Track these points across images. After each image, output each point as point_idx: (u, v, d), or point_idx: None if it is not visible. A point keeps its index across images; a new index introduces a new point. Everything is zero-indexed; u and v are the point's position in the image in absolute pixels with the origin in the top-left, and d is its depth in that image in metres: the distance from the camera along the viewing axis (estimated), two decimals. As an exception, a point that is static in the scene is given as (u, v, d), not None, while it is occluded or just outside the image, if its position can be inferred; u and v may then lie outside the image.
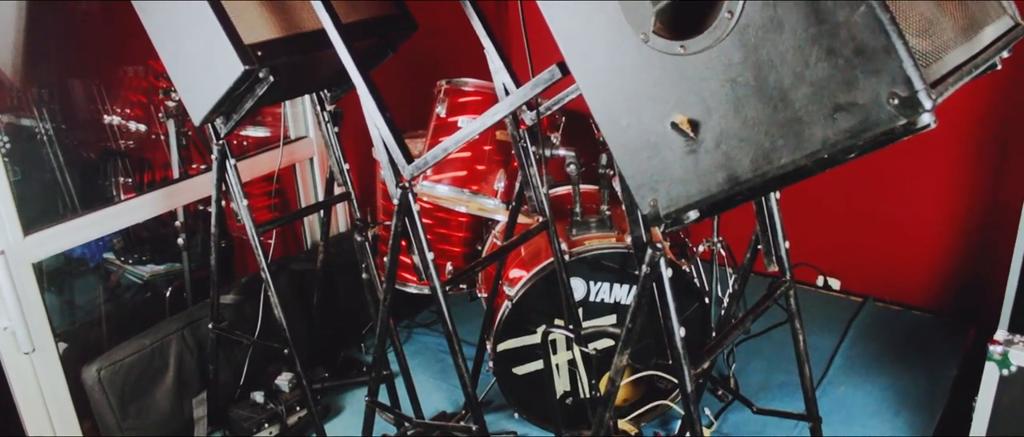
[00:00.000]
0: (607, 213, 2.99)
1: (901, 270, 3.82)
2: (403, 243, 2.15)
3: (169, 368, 3.01)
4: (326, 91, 2.77)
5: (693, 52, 1.31)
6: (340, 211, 3.84)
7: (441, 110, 3.14)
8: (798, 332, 2.22)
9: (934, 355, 3.42)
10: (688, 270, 2.92)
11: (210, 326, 2.90)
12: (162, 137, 3.55)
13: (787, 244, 2.13)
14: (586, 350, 2.74)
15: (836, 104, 1.21)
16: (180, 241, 3.44)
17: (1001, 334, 2.23)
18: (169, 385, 3.01)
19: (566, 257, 2.75)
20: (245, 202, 2.54)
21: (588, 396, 2.94)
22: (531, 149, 2.50)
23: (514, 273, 2.99)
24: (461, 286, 3.55)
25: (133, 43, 3.40)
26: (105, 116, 3.73)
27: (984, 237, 3.57)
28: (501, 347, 2.93)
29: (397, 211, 2.11)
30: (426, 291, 3.40)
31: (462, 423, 2.99)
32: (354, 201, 2.89)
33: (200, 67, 2.22)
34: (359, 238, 2.84)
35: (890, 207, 3.76)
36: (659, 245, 1.67)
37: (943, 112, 1.18)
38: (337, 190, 2.97)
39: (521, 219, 2.89)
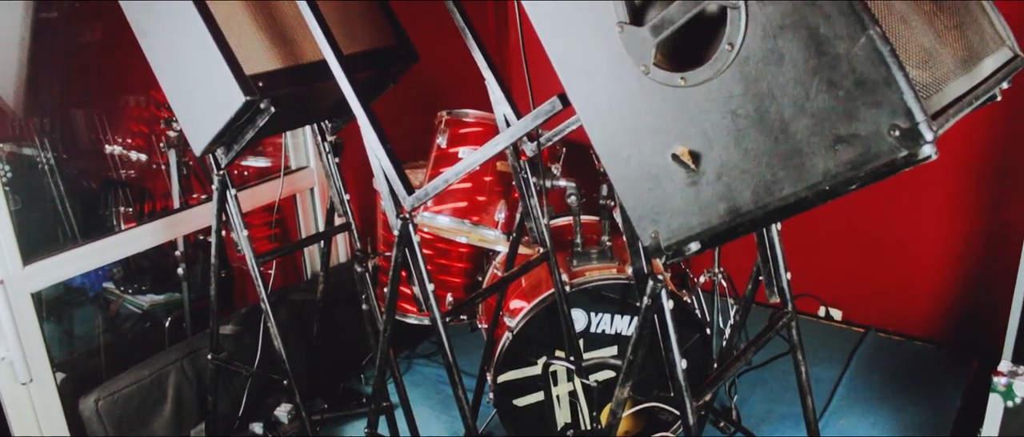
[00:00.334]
0: (608, 244, 2.98)
1: (903, 300, 3.81)
2: (403, 274, 2.14)
3: (168, 399, 2.99)
4: (327, 122, 2.78)
5: (694, 84, 1.32)
6: (340, 242, 3.84)
7: (442, 141, 3.15)
8: (800, 363, 2.21)
9: (937, 386, 3.40)
10: (689, 301, 2.91)
11: (209, 356, 2.88)
12: (163, 167, 3.55)
13: (788, 275, 2.12)
14: (587, 382, 2.72)
15: (837, 136, 1.21)
16: (180, 271, 3.43)
17: (1005, 365, 2.22)
18: (167, 416, 2.99)
19: (567, 288, 2.74)
20: (245, 232, 2.53)
21: (589, 428, 2.92)
22: (532, 180, 2.50)
23: (515, 304, 2.97)
24: (461, 317, 3.53)
25: (135, 73, 3.42)
26: (106, 145, 3.74)
27: (985, 267, 3.56)
28: (502, 378, 2.91)
29: (397, 242, 2.11)
30: (426, 322, 3.39)
31: (462, 455, 2.96)
32: (354, 232, 2.89)
33: (202, 97, 2.23)
34: (359, 269, 2.83)
35: (891, 237, 3.75)
36: (660, 277, 1.67)
37: (943, 142, 1.17)
38: (338, 221, 2.97)
39: (522, 250, 2.89)
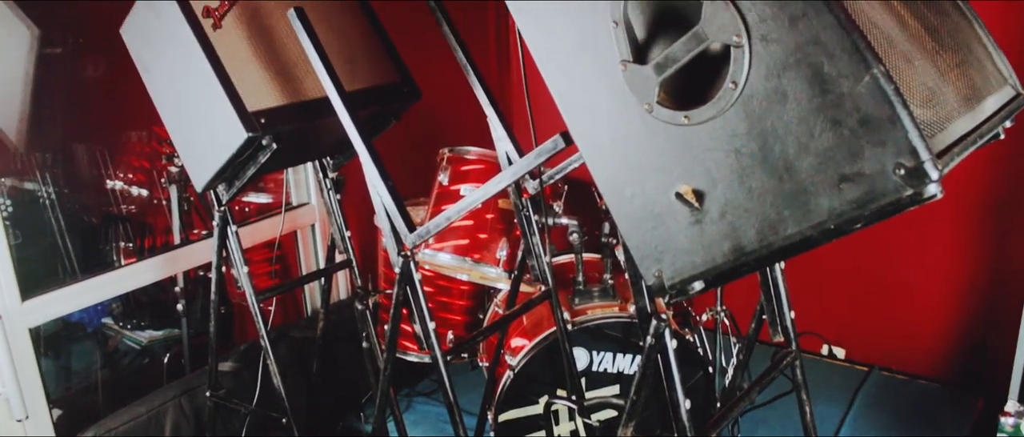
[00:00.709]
0: (610, 282, 2.97)
1: (906, 338, 3.79)
2: (404, 311, 2.13)
3: (165, 437, 2.97)
4: (329, 158, 2.78)
5: (697, 122, 1.31)
6: (341, 278, 3.82)
7: (443, 178, 3.15)
8: (805, 403, 2.19)
9: (942, 425, 3.37)
10: (691, 339, 2.89)
11: (208, 394, 2.86)
12: (164, 202, 3.55)
13: (792, 314, 2.11)
14: (589, 421, 2.70)
15: (842, 174, 1.21)
16: (179, 307, 3.42)
17: (1012, 405, 2.20)
18: (164, 455, 2.96)
19: (569, 326, 2.72)
20: (246, 269, 2.52)
21: (591, 468, 2.89)
22: (533, 218, 2.50)
23: (516, 342, 2.95)
24: (462, 355, 3.51)
25: (137, 108, 3.42)
26: (107, 181, 3.74)
27: (990, 305, 3.54)
28: (503, 417, 2.88)
29: (399, 279, 2.10)
30: (427, 360, 3.37)
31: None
32: (355, 269, 2.88)
33: (203, 133, 2.23)
34: (360, 306, 2.82)
35: (894, 274, 3.74)
36: (664, 316, 1.65)
37: (947, 180, 1.17)
38: (338, 257, 2.96)
39: (523, 288, 2.87)
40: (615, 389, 2.87)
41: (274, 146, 2.17)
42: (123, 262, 3.59)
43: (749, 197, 1.30)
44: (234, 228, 2.53)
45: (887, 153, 1.16)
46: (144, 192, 3.77)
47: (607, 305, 2.90)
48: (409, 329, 3.33)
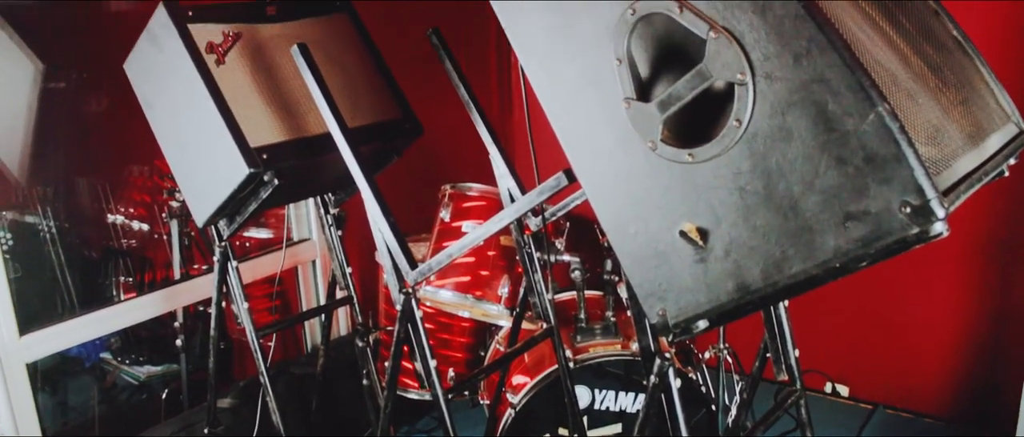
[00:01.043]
0: (612, 319, 2.95)
1: (911, 376, 3.76)
2: (405, 348, 2.11)
3: (162, 475, 2.93)
4: (330, 194, 2.77)
5: (701, 160, 1.31)
6: (342, 315, 3.80)
7: (445, 214, 3.14)
8: (809, 443, 2.17)
9: (948, 466, 3.34)
10: (694, 377, 2.87)
11: (206, 430, 2.83)
12: (165, 236, 3.54)
13: (796, 352, 2.09)
14: (591, 460, 2.67)
15: (847, 213, 1.20)
16: (178, 342, 3.40)
17: (1018, 446, 2.18)
18: (161, 493, 2.93)
19: (570, 364, 2.70)
20: (246, 305, 2.51)
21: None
22: (536, 255, 2.49)
23: (517, 380, 2.93)
24: (463, 393, 3.48)
25: (139, 142, 3.43)
26: (108, 215, 3.74)
27: (996, 342, 3.52)
28: (503, 456, 2.86)
29: (400, 317, 2.08)
30: (427, 397, 3.34)
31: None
32: (356, 305, 2.87)
33: (205, 169, 2.23)
34: (360, 343, 2.81)
35: (898, 311, 3.71)
36: (667, 355, 1.64)
37: (952, 217, 1.16)
38: (339, 293, 2.95)
39: (525, 325, 2.85)
40: (618, 427, 2.85)
41: (276, 182, 2.17)
42: (123, 297, 3.57)
43: (754, 235, 1.29)
44: (235, 264, 2.52)
45: (893, 191, 1.15)
46: (145, 226, 3.77)
47: (609, 343, 2.88)
48: (410, 366, 3.31)
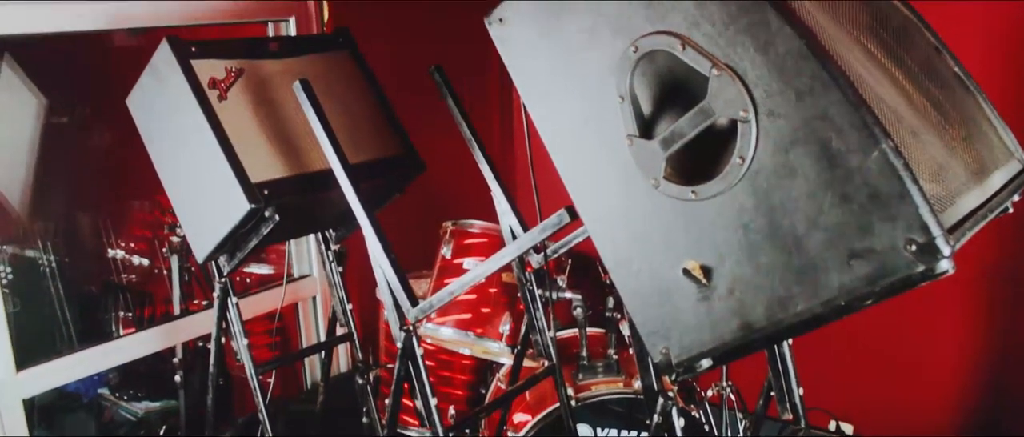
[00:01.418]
0: (614, 357, 2.93)
1: (916, 414, 3.72)
2: (405, 386, 2.10)
3: (158, 514, 2.90)
4: (331, 230, 2.77)
5: (705, 198, 1.30)
6: (342, 352, 3.78)
7: (446, 251, 3.13)
8: (814, 484, 2.14)
9: (954, 507, 3.29)
10: (697, 415, 2.84)
11: (203, 469, 2.81)
12: (165, 271, 3.53)
13: (801, 390, 2.07)
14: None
15: (852, 250, 1.19)
16: (177, 378, 3.37)
17: (1027, 488, 2.15)
18: (157, 532, 2.89)
19: (572, 402, 2.68)
20: (246, 341, 2.50)
21: None
22: (537, 292, 2.47)
23: (519, 418, 2.91)
24: (465, 431, 3.45)
25: (140, 177, 3.43)
26: (109, 249, 3.73)
27: (1001, 380, 3.49)
28: (504, 495, 2.82)
29: (400, 354, 2.07)
30: (428, 435, 3.31)
31: None
32: (356, 342, 2.85)
33: (206, 204, 2.22)
34: (361, 380, 2.79)
35: (903, 349, 3.69)
36: (670, 393, 1.62)
37: (957, 255, 1.15)
38: (339, 330, 2.93)
39: (527, 362, 2.83)
40: (619, 466, 2.82)
41: (276, 218, 2.16)
42: (122, 332, 3.55)
43: (757, 273, 1.28)
44: (235, 299, 2.50)
45: (898, 229, 1.14)
46: (145, 261, 3.76)
47: (611, 380, 2.85)
48: (410, 404, 3.28)
